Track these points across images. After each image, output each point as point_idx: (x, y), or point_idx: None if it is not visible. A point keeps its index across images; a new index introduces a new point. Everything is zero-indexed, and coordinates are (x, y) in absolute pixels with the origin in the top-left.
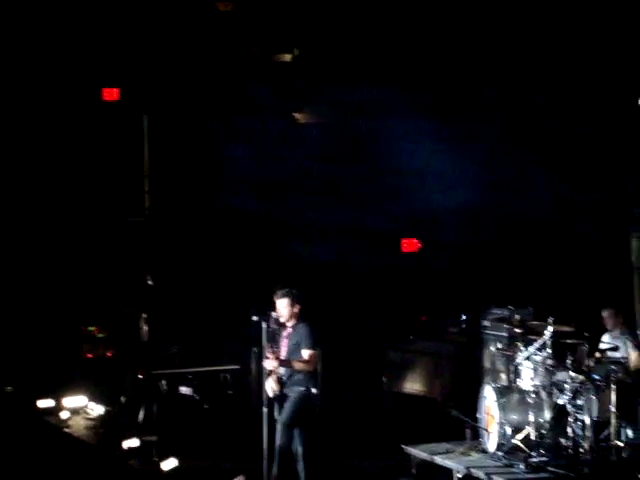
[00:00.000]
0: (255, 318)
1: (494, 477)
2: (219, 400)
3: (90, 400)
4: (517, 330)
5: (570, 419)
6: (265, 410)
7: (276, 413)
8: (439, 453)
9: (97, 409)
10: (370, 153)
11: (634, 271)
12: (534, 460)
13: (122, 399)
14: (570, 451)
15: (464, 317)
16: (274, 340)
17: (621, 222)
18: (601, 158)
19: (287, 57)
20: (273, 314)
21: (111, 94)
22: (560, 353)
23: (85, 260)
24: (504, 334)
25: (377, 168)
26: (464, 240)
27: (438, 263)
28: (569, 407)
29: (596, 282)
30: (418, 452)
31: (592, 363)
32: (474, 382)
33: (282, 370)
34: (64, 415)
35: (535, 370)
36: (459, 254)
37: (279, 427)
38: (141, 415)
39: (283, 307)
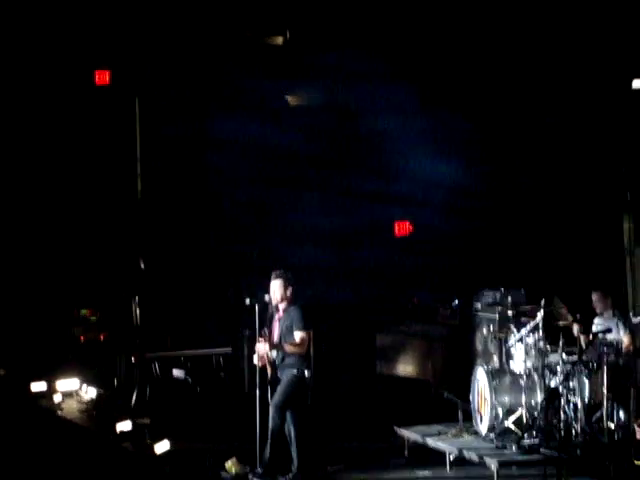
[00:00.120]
0: (248, 301)
1: (486, 459)
2: (212, 383)
3: (83, 383)
4: (509, 312)
5: (562, 401)
6: (258, 393)
7: (269, 395)
8: (431, 435)
9: (90, 392)
10: (363, 135)
11: (626, 254)
12: (526, 442)
13: (115, 382)
14: (562, 433)
15: (456, 302)
16: (267, 323)
17: (614, 205)
18: (595, 141)
19: (279, 40)
20: (266, 297)
21: (103, 77)
22: (552, 335)
23: (77, 243)
24: (496, 316)
25: (370, 150)
26: (456, 222)
27: (430, 245)
28: (561, 389)
29: (589, 265)
30: (410, 434)
31: (584, 345)
32: (466, 364)
33: (274, 353)
34: (57, 398)
35: (527, 352)
36: (451, 236)
37: (271, 409)
38: (134, 398)
39: (277, 288)
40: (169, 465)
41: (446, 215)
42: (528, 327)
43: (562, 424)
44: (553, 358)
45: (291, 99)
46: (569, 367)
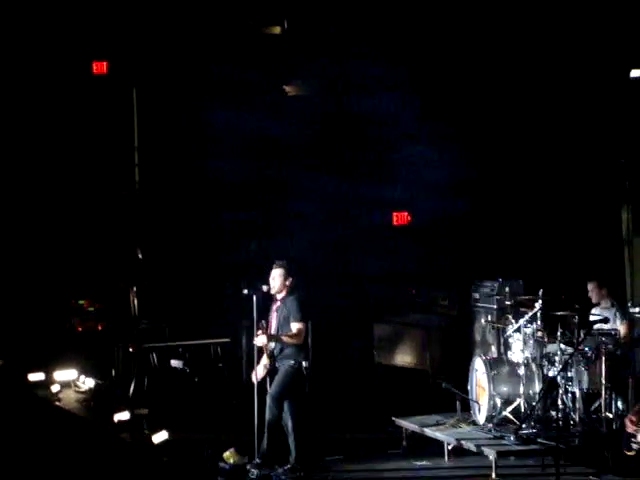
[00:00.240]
0: (245, 291)
1: (484, 449)
2: (210, 373)
3: (81, 373)
4: (507, 302)
5: (560, 391)
6: (256, 383)
7: (267, 386)
8: (429, 425)
9: (88, 382)
10: (360, 126)
11: (625, 244)
12: (524, 432)
13: (113, 372)
14: (560, 423)
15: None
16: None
17: (613, 196)
18: (593, 131)
19: (276, 30)
20: (264, 287)
21: (100, 67)
22: (550, 325)
23: (75, 234)
24: (494, 306)
25: (367, 139)
26: (454, 213)
27: (429, 235)
28: (559, 379)
29: (587, 255)
30: (409, 424)
31: (582, 335)
32: (464, 354)
33: (272, 344)
34: (55, 388)
35: (525, 342)
36: (449, 227)
37: (269, 400)
38: (132, 388)
39: (277, 276)
40: (167, 455)
41: (444, 205)
42: (526, 317)
43: (560, 414)
44: (551, 348)
45: (289, 89)
46: (567, 357)
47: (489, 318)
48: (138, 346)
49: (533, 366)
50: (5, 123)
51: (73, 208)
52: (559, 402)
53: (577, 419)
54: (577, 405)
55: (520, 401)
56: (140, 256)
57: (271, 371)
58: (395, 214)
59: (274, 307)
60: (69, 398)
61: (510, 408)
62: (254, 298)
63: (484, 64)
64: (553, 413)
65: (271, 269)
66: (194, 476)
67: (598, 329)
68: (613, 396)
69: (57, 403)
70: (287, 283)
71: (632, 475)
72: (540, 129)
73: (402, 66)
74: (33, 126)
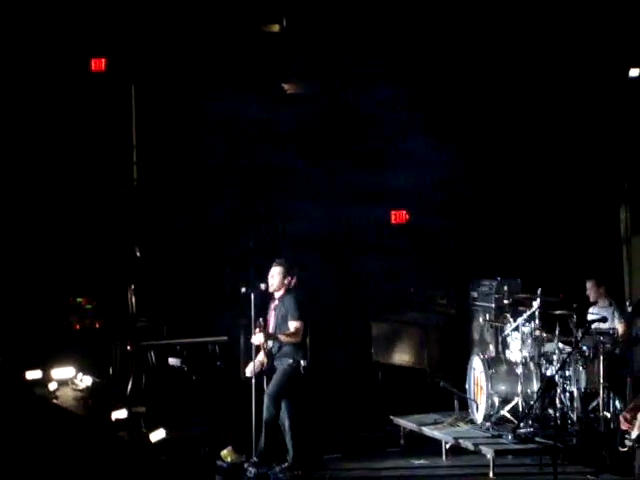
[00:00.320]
0: (244, 289)
1: (482, 448)
2: (208, 371)
3: (78, 371)
4: (505, 301)
5: (558, 390)
6: (253, 381)
7: (265, 385)
8: (427, 424)
9: (85, 380)
10: (359, 124)
11: (623, 243)
12: (522, 431)
13: (110, 370)
14: (558, 422)
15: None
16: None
17: (611, 195)
18: (592, 130)
19: (275, 28)
20: (262, 285)
21: (99, 64)
22: (548, 324)
23: (73, 231)
24: (492, 305)
25: (365, 137)
26: (452, 211)
27: (427, 234)
28: (557, 378)
29: (585, 253)
30: (407, 423)
31: (580, 334)
32: (462, 353)
33: (270, 343)
34: (52, 386)
35: (523, 341)
36: (447, 226)
37: (266, 399)
38: (129, 386)
39: (276, 274)
40: (165, 454)
41: (442, 204)
42: (524, 316)
43: (558, 413)
44: (549, 347)
45: (287, 87)
46: (565, 356)
47: (487, 317)
48: (136, 344)
49: (531, 365)
50: (2, 120)
51: (71, 206)
52: (557, 401)
53: (575, 418)
54: (575, 404)
55: (518, 400)
56: (138, 254)
57: (269, 370)
58: (393, 212)
59: (272, 306)
60: (67, 396)
61: (508, 407)
62: (252, 296)
63: (483, 62)
64: (551, 412)
65: (270, 267)
66: (191, 474)
67: (596, 328)
68: (611, 395)
69: (55, 401)
70: (285, 282)
71: (629, 474)
72: (539, 129)
73: (401, 64)
74: (31, 124)
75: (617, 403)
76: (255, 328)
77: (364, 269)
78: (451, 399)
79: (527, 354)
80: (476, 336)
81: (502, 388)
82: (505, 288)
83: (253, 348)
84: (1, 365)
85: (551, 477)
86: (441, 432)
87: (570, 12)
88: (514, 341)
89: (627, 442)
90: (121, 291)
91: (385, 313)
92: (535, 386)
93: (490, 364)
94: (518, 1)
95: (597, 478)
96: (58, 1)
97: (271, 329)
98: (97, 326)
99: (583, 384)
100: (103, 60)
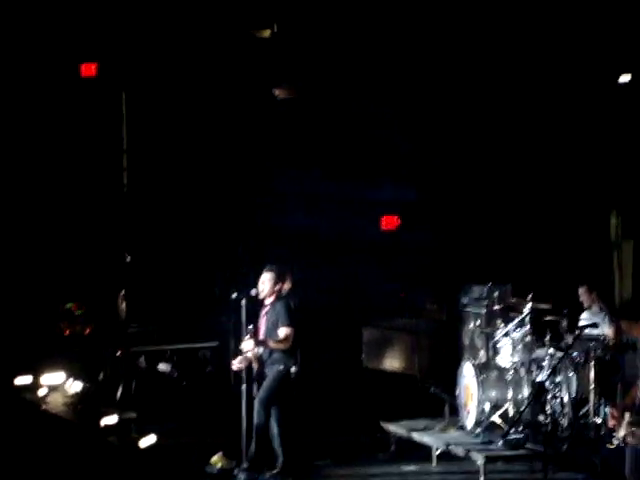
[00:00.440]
0: (234, 295)
1: (472, 454)
2: (198, 377)
3: (68, 377)
4: (496, 307)
5: (549, 396)
6: (244, 387)
7: (255, 390)
8: (418, 430)
9: (75, 386)
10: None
11: (613, 248)
12: (512, 437)
13: (100, 376)
14: (549, 428)
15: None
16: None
17: (601, 200)
18: (582, 136)
19: (266, 33)
20: (252, 291)
21: (89, 70)
22: (539, 330)
23: (63, 237)
24: (483, 311)
25: (357, 142)
26: (443, 217)
27: (417, 240)
28: (548, 384)
29: (576, 259)
30: (397, 429)
31: (571, 340)
32: (453, 359)
33: (261, 349)
34: (42, 392)
35: (514, 347)
36: (438, 231)
37: (256, 404)
38: (119, 392)
39: (266, 281)
40: (154, 459)
41: (433, 210)
42: (515, 322)
43: (549, 419)
44: (540, 353)
45: (279, 92)
46: (556, 362)
47: (478, 323)
48: (126, 350)
49: (522, 371)
50: None
51: (61, 211)
52: (547, 407)
53: (565, 424)
54: (565, 410)
55: (508, 406)
56: (128, 259)
57: (259, 376)
58: (384, 218)
59: (263, 312)
60: (56, 402)
61: (498, 413)
62: (242, 302)
63: (473, 68)
64: (541, 418)
65: (261, 273)
66: None
67: (587, 334)
68: (601, 401)
69: (44, 407)
70: (276, 288)
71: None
72: (529, 135)
73: (392, 69)
74: (21, 129)
75: (608, 409)
76: (245, 334)
77: (353, 274)
78: (441, 405)
79: (518, 360)
80: (467, 342)
81: (493, 394)
82: (496, 294)
83: (236, 362)
84: None
85: None
86: (431, 438)
87: (560, 19)
88: (505, 347)
89: (614, 440)
90: (111, 297)
91: (376, 319)
92: (526, 392)
93: (481, 370)
94: (509, 8)
95: None
96: (48, 6)
97: (261, 335)
98: (87, 332)
99: (574, 390)
100: (93, 65)
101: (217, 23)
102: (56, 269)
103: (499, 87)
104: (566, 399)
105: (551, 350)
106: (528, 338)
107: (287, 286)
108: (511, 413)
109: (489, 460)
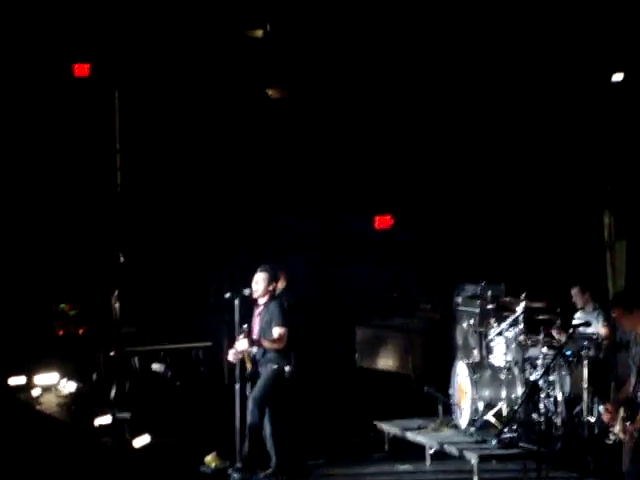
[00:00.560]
0: (227, 295)
1: (466, 453)
2: (191, 377)
3: (62, 377)
4: (489, 306)
5: (542, 395)
6: (237, 387)
7: (248, 390)
8: (411, 429)
9: (69, 386)
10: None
11: (607, 248)
12: (506, 436)
13: (94, 376)
14: (542, 427)
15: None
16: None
17: (594, 200)
18: (575, 135)
19: (259, 33)
20: (245, 291)
21: (82, 70)
22: (532, 329)
23: (57, 237)
24: (476, 310)
25: (350, 142)
26: (437, 216)
27: (410, 239)
28: (541, 383)
29: (569, 258)
30: (391, 428)
31: (564, 339)
32: (447, 358)
33: (255, 349)
34: (36, 392)
35: (507, 346)
36: (432, 231)
37: (250, 404)
38: (113, 392)
39: (260, 280)
40: (148, 459)
41: (426, 209)
42: (508, 321)
43: (542, 418)
44: (533, 352)
45: (271, 92)
46: (549, 361)
47: (471, 322)
48: (120, 350)
49: (515, 370)
50: None
51: (55, 211)
52: (541, 406)
53: (559, 423)
54: (559, 409)
55: (502, 405)
56: (122, 260)
57: (253, 375)
58: (378, 217)
59: (257, 312)
60: (50, 402)
61: (492, 412)
62: (236, 302)
63: (464, 68)
64: (535, 417)
65: (255, 273)
66: None
67: (580, 333)
68: (595, 400)
69: (38, 407)
70: (270, 288)
71: (614, 479)
72: (522, 134)
73: (385, 66)
74: (13, 129)
75: (601, 408)
76: (239, 334)
77: (348, 274)
78: (435, 404)
79: (511, 359)
80: (460, 341)
81: (486, 393)
82: (489, 293)
83: (231, 353)
84: None
85: None
86: (425, 437)
87: (552, 17)
88: (498, 346)
89: (611, 436)
90: (105, 297)
91: (370, 318)
92: (519, 391)
93: (474, 369)
94: (501, 7)
95: None
96: (42, 6)
97: (255, 335)
98: (81, 332)
99: (567, 389)
100: (87, 65)
101: (210, 23)
102: (50, 269)
103: (494, 88)
104: (560, 398)
105: (545, 349)
106: (522, 337)
107: (281, 285)
108: (505, 412)
109: (483, 459)
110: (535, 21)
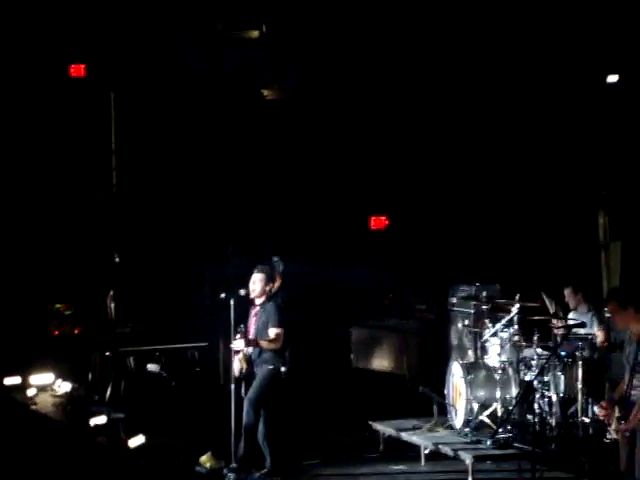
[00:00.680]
0: (223, 295)
1: (461, 453)
2: (187, 377)
3: (57, 377)
4: (484, 307)
5: (537, 395)
6: (233, 387)
7: (243, 391)
8: (406, 429)
9: (64, 386)
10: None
11: (601, 249)
12: (501, 436)
13: (89, 376)
14: (537, 427)
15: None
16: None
17: (589, 201)
18: (570, 136)
19: (255, 34)
20: (241, 291)
21: (78, 70)
22: (527, 329)
23: (52, 237)
24: (471, 311)
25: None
26: (432, 217)
27: (405, 240)
28: (536, 384)
29: (564, 259)
30: (385, 428)
31: (559, 340)
32: (441, 359)
33: (251, 349)
34: (31, 392)
35: (502, 347)
36: (427, 231)
37: (246, 404)
38: (108, 392)
39: (257, 281)
40: (143, 459)
41: (422, 210)
42: (503, 321)
43: (537, 418)
44: (528, 352)
45: (267, 93)
46: (544, 361)
47: (466, 322)
48: (115, 350)
49: (510, 370)
50: None
51: (50, 211)
52: (536, 407)
53: (554, 424)
54: (554, 410)
55: (497, 405)
56: (117, 260)
57: (249, 376)
58: (373, 218)
59: (253, 312)
60: (45, 402)
61: (487, 412)
62: (231, 302)
63: (461, 68)
64: (530, 417)
65: (251, 273)
66: None
67: (575, 334)
68: (589, 401)
69: (33, 407)
70: (267, 289)
71: (608, 479)
72: (517, 135)
73: (380, 67)
74: (9, 129)
75: (595, 409)
76: (236, 334)
77: (343, 274)
78: (430, 404)
79: (506, 359)
80: (455, 342)
81: (481, 393)
82: (484, 294)
83: (232, 354)
84: None
85: None
86: (420, 437)
87: (547, 19)
88: (493, 346)
89: (609, 435)
90: (100, 297)
91: (365, 319)
92: (514, 391)
93: (469, 369)
94: (497, 10)
95: None
96: (38, 7)
97: (252, 335)
98: (76, 332)
99: (562, 389)
100: (83, 66)
101: (205, 24)
102: (45, 269)
103: (488, 88)
104: (554, 398)
105: (539, 349)
106: (516, 338)
107: (277, 284)
108: (499, 412)
109: (477, 459)
110: (531, 23)
